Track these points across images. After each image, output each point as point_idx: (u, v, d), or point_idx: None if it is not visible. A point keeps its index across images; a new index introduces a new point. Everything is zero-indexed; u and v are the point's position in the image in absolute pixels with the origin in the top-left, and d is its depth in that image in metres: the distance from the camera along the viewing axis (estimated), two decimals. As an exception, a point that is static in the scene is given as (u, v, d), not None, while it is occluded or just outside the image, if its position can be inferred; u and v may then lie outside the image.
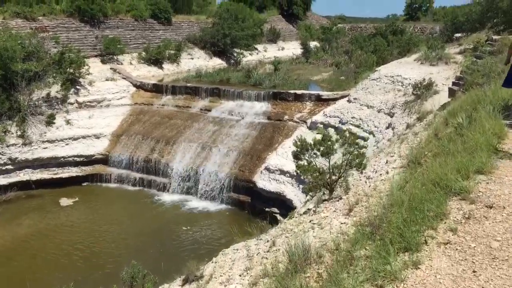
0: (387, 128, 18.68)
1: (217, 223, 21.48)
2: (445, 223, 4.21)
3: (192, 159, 24.85)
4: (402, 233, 3.97)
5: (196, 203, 23.47)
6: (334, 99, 26.34)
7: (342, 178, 9.24)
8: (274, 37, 56.04)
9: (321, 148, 9.35)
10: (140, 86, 31.85)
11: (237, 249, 8.10)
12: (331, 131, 22.63)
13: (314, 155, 9.49)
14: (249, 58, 47.45)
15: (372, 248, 4.12)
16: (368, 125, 20.93)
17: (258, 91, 28.36)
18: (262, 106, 27.57)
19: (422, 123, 13.66)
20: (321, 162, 9.59)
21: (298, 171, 10.57)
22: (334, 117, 23.54)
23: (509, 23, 22.76)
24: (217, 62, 43.32)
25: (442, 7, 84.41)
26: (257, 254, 6.95)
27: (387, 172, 8.18)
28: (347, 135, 11.66)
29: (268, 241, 7.40)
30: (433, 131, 8.67)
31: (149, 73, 35.66)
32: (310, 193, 12.78)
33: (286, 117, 26.07)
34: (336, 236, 5.40)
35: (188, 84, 30.92)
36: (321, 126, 23.73)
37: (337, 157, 9.78)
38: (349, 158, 9.21)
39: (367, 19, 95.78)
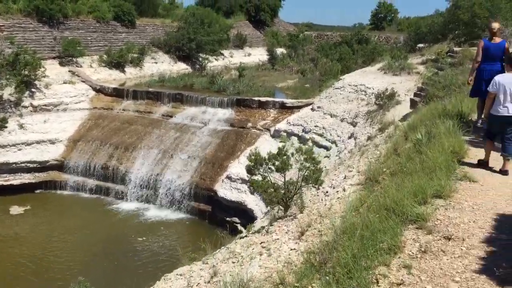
0: (350, 138, 18.47)
1: (176, 233, 20.75)
2: (399, 257, 3.78)
3: (152, 167, 24.04)
4: (350, 271, 3.51)
5: (155, 212, 22.66)
6: (298, 107, 26.05)
7: (297, 195, 8.80)
8: (240, 43, 55.60)
9: (276, 163, 8.90)
10: (100, 90, 30.75)
11: (180, 275, 7.51)
12: (294, 139, 22.39)
13: (269, 170, 9.04)
14: (214, 63, 46.83)
15: (318, 287, 3.64)
16: (331, 134, 20.70)
17: (221, 98, 27.80)
18: (226, 113, 27.02)
19: (384, 135, 13.43)
20: (276, 177, 9.14)
21: (252, 187, 10.06)
22: (298, 125, 23.23)
23: (470, 35, 23.01)
24: (182, 67, 42.50)
25: (407, 18, 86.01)
26: (196, 285, 6.38)
27: (344, 189, 7.80)
28: (304, 149, 11.24)
29: (213, 266, 6.84)
30: (393, 145, 8.36)
31: (110, 77, 34.54)
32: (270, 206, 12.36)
33: (249, 124, 25.60)
34: (282, 266, 4.92)
35: (150, 89, 30.07)
36: (284, 134, 23.41)
37: (294, 172, 9.36)
38: (305, 174, 8.78)
39: (334, 27, 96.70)
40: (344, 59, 40.60)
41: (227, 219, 20.75)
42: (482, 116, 8.04)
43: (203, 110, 27.64)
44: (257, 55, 55.37)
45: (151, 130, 26.42)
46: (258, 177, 9.29)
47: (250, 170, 9.52)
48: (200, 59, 45.46)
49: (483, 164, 6.35)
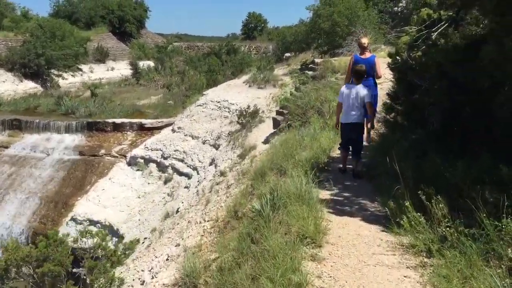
0: (211, 164, 16.18)
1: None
2: None
3: (-22, 213, 19.46)
4: None
5: (-17, 270, 18.18)
6: (159, 128, 23.29)
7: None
8: (102, 56, 51.09)
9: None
10: None
11: None
12: (153, 167, 19.64)
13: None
14: (71, 80, 42.10)
15: None
16: (192, 160, 18.26)
17: (69, 122, 23.94)
18: (75, 139, 23.24)
19: (239, 168, 11.27)
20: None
21: None
22: (156, 150, 20.44)
23: (331, 44, 22.28)
24: (30, 86, 37.14)
25: (276, 27, 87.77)
26: None
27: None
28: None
29: None
30: (234, 205, 6.14)
31: None
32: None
33: (102, 151, 22.18)
34: None
35: (-22, 116, 25.05)
36: (142, 161, 20.48)
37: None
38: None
39: (208, 38, 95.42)
40: (213, 71, 38.71)
41: (74, 270, 17.18)
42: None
43: (47, 137, 23.55)
44: (122, 69, 51.29)
45: (-22, 167, 21.66)
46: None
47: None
48: (54, 76, 40.44)
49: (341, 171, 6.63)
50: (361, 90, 6.56)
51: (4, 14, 52.84)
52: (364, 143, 7.39)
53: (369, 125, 8.09)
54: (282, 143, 7.90)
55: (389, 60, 7.17)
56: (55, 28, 42.18)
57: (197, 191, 13.81)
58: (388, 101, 7.12)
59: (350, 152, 6.77)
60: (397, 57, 6.92)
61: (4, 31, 43.92)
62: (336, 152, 7.20)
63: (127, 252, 12.24)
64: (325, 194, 5.14)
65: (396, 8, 28.12)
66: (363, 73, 6.79)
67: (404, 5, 26.67)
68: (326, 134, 7.66)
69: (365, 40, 8.31)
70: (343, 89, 6.84)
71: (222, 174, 12.06)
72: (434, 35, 6.62)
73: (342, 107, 6.75)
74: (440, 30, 6.67)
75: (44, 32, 39.35)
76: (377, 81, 8.10)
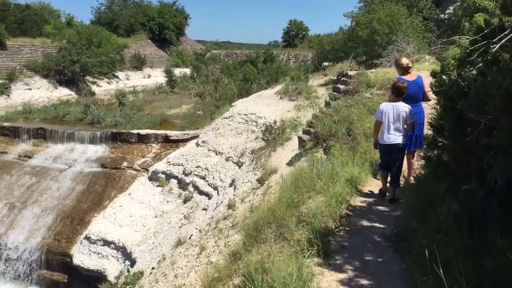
0: (231, 185, 14.70)
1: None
2: None
3: (-6, 226, 18.79)
4: None
5: (-5, 287, 17.48)
6: (185, 140, 22.09)
7: None
8: (139, 63, 50.87)
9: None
10: None
11: None
12: (174, 183, 18.37)
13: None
14: (106, 87, 41.84)
15: None
16: (214, 178, 16.85)
17: (93, 132, 23.13)
18: (98, 150, 22.38)
19: (255, 196, 9.74)
20: None
21: None
22: (178, 165, 19.18)
23: (369, 53, 20.48)
24: (64, 93, 37.02)
25: (317, 35, 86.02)
26: None
27: None
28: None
29: None
30: (211, 280, 4.61)
31: (-42, 110, 28.56)
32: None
33: (125, 164, 21.17)
34: None
35: (5, 124, 24.63)
36: (163, 176, 19.28)
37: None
38: None
39: (249, 45, 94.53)
40: (248, 79, 37.43)
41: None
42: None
43: (71, 147, 22.82)
44: (158, 76, 50.87)
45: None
46: None
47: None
48: (89, 83, 40.30)
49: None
50: (402, 107, 6.01)
51: (48, 21, 53.71)
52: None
53: (413, 158, 6.58)
54: (294, 180, 6.32)
55: (432, 79, 5.47)
56: (92, 35, 42.11)
57: (212, 217, 12.35)
58: (430, 131, 5.42)
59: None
60: (443, 77, 5.22)
61: (45, 37, 44.30)
62: (359, 200, 5.56)
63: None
64: (330, 280, 3.54)
65: (442, 15, 25.92)
66: (404, 91, 6.09)
67: (452, 11, 24.44)
68: (349, 170, 6.03)
69: (406, 61, 7.01)
70: (382, 106, 6.22)
71: (230, 207, 10.56)
72: (495, 48, 4.91)
73: (379, 125, 6.18)
74: (503, 41, 4.96)
75: (80, 39, 39.23)
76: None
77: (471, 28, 5.88)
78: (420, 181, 5.05)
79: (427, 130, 6.84)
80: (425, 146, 5.49)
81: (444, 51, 9.47)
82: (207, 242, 8.09)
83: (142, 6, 68.76)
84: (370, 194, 6.04)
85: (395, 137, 5.99)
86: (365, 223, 4.74)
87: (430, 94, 6.54)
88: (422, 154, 6.01)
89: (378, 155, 7.20)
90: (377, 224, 4.72)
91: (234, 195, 12.97)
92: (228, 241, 6.91)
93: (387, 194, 6.12)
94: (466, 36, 6.61)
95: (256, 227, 5.23)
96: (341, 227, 4.45)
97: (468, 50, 5.08)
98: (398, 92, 6.13)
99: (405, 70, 6.86)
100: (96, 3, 64.37)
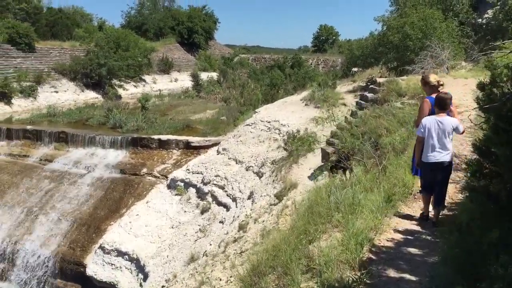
0: (249, 198, 13.85)
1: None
2: None
3: (10, 231, 18.46)
4: None
5: (9, 294, 17.11)
6: (206, 147, 21.38)
7: None
8: (166, 67, 50.71)
9: None
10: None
11: None
12: (192, 192, 17.67)
13: None
14: (133, 90, 41.75)
15: None
16: (233, 188, 16.03)
17: (114, 136, 22.70)
18: (118, 155, 21.92)
19: (270, 217, 8.85)
20: None
21: None
22: (198, 173, 18.45)
23: (401, 59, 19.34)
24: (90, 96, 37.00)
25: (348, 40, 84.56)
26: None
27: None
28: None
29: None
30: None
31: (-13, 111, 28.71)
32: None
33: (144, 170, 20.61)
34: None
35: (28, 127, 24.48)
36: (182, 184, 18.60)
37: None
38: None
39: (279, 50, 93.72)
40: (276, 84, 36.58)
41: None
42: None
43: (92, 152, 22.45)
44: (186, 80, 50.52)
45: (19, 181, 20.85)
46: None
47: None
48: (116, 86, 40.26)
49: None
50: (449, 120, 5.60)
51: (79, 25, 54.26)
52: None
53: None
54: (310, 206, 5.41)
55: (479, 92, 4.49)
56: (120, 38, 42.11)
57: (227, 233, 11.51)
58: (475, 156, 4.44)
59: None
60: (494, 89, 4.24)
61: (75, 41, 44.61)
62: (386, 236, 4.59)
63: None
64: None
65: (480, 20, 24.48)
66: (450, 102, 5.68)
67: (491, 15, 23.01)
68: (374, 198, 5.08)
69: (434, 77, 6.23)
70: (425, 121, 5.70)
71: (242, 228, 9.70)
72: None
73: (422, 142, 5.69)
74: None
75: (108, 42, 39.23)
76: None
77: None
78: (463, 219, 4.06)
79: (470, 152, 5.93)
80: (469, 174, 4.51)
81: (486, 58, 8.40)
82: (212, 271, 7.27)
83: (172, 10, 69.00)
84: (400, 230, 5.06)
85: (441, 155, 5.56)
86: (392, 273, 3.80)
87: (462, 126, 5.92)
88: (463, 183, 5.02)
89: (409, 176, 6.25)
90: (407, 276, 3.77)
91: (251, 210, 12.11)
92: (231, 277, 6.07)
93: (428, 218, 5.56)
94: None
95: (257, 271, 4.36)
96: (360, 280, 3.53)
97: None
98: (442, 105, 5.64)
99: (435, 88, 6.10)
100: (126, 7, 64.29)
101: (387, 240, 4.49)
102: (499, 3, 21.20)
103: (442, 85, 6.17)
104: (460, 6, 23.53)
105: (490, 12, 23.58)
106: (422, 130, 5.65)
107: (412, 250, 4.33)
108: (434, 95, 5.93)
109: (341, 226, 4.53)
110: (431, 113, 5.85)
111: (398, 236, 4.64)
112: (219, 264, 7.53)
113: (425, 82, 6.25)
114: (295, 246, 4.35)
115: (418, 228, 4.97)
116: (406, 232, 4.81)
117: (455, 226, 4.08)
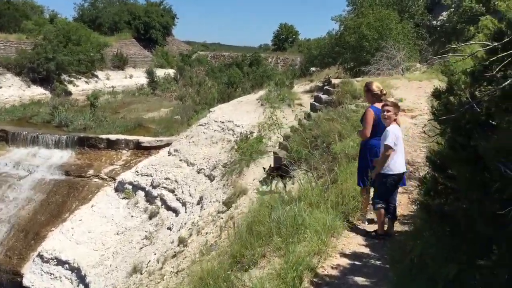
0: (198, 203, 13.15)
1: None
2: None
3: None
4: None
5: None
6: (158, 148, 20.50)
7: None
8: (121, 63, 49.04)
9: None
10: None
11: None
12: (141, 195, 16.75)
13: None
14: (84, 87, 39.97)
15: None
16: (183, 192, 15.28)
17: (59, 136, 21.43)
18: (63, 156, 20.70)
19: (216, 226, 8.22)
20: None
21: None
22: (147, 175, 17.56)
23: (357, 60, 19.09)
24: (37, 92, 35.08)
25: (307, 39, 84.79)
26: None
27: None
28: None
29: None
30: None
31: None
32: None
33: (91, 171, 19.52)
34: None
35: (-38, 126, 22.81)
36: (130, 187, 17.66)
37: None
38: None
39: (240, 48, 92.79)
40: (233, 83, 35.92)
41: None
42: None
43: (34, 152, 21.10)
44: (141, 76, 48.95)
45: (-48, 184, 19.30)
46: None
47: None
48: (66, 82, 38.44)
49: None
50: (399, 129, 5.43)
51: (29, 17, 51.65)
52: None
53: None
54: (248, 227, 4.80)
55: (434, 101, 4.02)
56: (71, 32, 40.24)
57: (172, 241, 10.80)
58: (429, 171, 3.97)
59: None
60: (451, 98, 3.76)
61: (22, 33, 42.32)
62: (332, 262, 4.04)
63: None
64: None
65: (434, 22, 24.67)
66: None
67: (446, 17, 23.18)
68: (320, 216, 4.52)
69: (377, 85, 5.97)
70: (392, 129, 5.22)
71: (181, 242, 9.05)
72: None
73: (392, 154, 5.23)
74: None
75: (57, 36, 37.37)
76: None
77: (486, 32, 4.48)
78: (416, 245, 3.56)
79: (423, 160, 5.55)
80: (422, 191, 4.04)
81: (441, 61, 8.04)
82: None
83: (128, 4, 66.98)
84: (348, 254, 4.52)
85: (404, 165, 5.43)
86: (333, 313, 3.26)
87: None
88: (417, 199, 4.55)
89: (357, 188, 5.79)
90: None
91: (199, 217, 11.44)
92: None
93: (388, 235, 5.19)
94: (473, 42, 5.27)
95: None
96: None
97: (485, 62, 3.59)
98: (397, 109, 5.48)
99: (377, 97, 5.85)
100: (79, 0, 61.86)
101: (332, 268, 3.94)
102: (453, 5, 21.34)
103: (385, 94, 5.97)
104: (416, 8, 23.60)
105: (444, 14, 23.74)
106: (395, 142, 5.22)
107: (360, 279, 3.78)
108: (376, 104, 5.68)
109: (282, 250, 3.97)
110: (377, 123, 5.52)
111: (345, 262, 4.10)
112: (153, 285, 6.85)
113: (367, 89, 5.94)
114: (226, 277, 3.75)
115: (367, 250, 4.46)
116: (353, 256, 4.26)
117: (406, 254, 3.58)
